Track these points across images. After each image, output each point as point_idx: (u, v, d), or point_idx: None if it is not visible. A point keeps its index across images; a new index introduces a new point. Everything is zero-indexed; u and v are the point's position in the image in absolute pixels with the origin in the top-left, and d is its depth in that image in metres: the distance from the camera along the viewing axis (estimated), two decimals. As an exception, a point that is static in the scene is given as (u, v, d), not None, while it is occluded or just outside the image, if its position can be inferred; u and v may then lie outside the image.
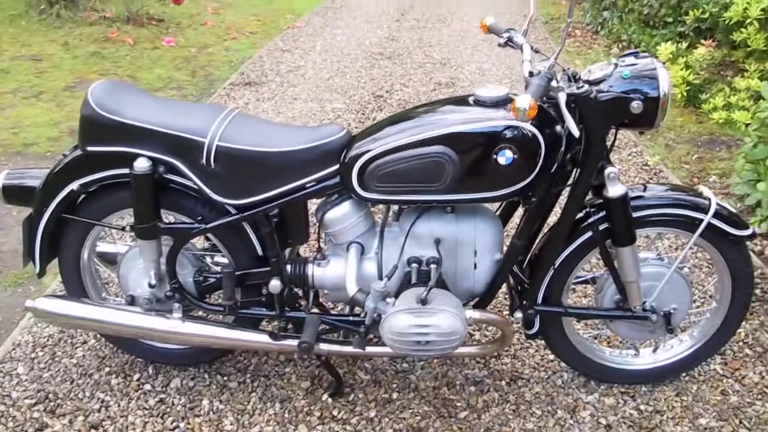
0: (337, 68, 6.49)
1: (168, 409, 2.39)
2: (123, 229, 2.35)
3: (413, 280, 2.17)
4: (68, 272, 2.42)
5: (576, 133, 1.88)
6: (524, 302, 2.27)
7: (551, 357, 2.57)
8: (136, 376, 2.53)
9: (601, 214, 2.17)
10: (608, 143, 2.09)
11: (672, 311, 2.28)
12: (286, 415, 2.36)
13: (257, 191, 2.14)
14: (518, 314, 2.29)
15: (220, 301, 2.32)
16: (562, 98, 1.89)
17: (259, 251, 2.27)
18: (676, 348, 2.47)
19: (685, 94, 4.87)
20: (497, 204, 2.34)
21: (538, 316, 2.30)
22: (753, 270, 2.35)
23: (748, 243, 2.32)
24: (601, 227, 2.18)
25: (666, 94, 1.95)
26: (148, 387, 2.49)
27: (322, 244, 2.35)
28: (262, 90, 5.89)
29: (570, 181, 2.14)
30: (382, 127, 2.14)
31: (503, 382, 2.50)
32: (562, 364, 2.53)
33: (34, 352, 2.67)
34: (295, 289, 2.33)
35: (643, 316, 2.27)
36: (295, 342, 2.25)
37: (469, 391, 2.46)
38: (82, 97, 2.17)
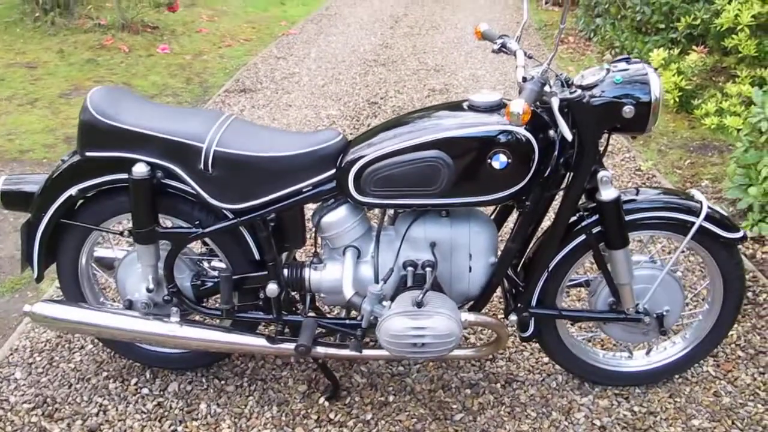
0: (331, 75, 6.52)
1: (166, 413, 2.41)
2: (121, 233, 2.36)
3: (409, 284, 2.18)
4: (66, 277, 2.43)
5: (569, 137, 1.91)
6: (519, 305, 2.30)
7: (546, 360, 2.60)
8: (133, 381, 2.55)
9: (594, 218, 2.19)
10: (601, 147, 2.11)
11: (665, 313, 2.31)
12: (284, 418, 2.38)
13: (254, 196, 2.16)
14: (513, 317, 2.31)
15: (217, 305, 2.33)
16: (555, 103, 1.92)
17: (257, 255, 2.29)
18: (669, 350, 2.49)
19: (677, 99, 4.91)
20: (492, 208, 2.37)
21: (533, 318, 2.33)
22: (744, 272, 2.38)
23: (739, 246, 2.35)
24: (595, 230, 2.20)
25: (657, 99, 1.97)
26: (145, 391, 2.50)
27: (318, 249, 2.37)
28: (257, 97, 5.91)
29: (563, 185, 2.16)
30: (378, 132, 2.17)
31: (498, 385, 2.52)
32: (557, 367, 2.56)
33: (31, 357, 2.68)
34: (292, 293, 2.35)
35: (637, 318, 2.29)
36: (292, 345, 2.27)
37: (464, 393, 2.48)
38: (77, 104, 2.20)
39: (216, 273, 2.41)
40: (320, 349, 2.31)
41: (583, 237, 2.22)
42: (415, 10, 9.96)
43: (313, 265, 2.30)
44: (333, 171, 2.15)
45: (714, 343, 2.48)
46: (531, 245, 2.33)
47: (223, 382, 2.54)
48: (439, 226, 2.21)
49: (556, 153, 2.07)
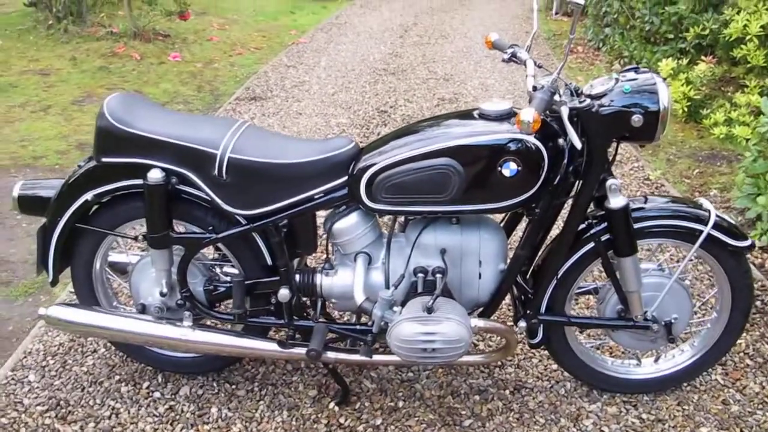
0: (341, 83, 6.57)
1: (177, 417, 2.43)
2: (135, 238, 2.39)
3: (419, 290, 2.21)
4: (80, 281, 2.46)
5: (578, 145, 1.93)
6: (528, 312, 2.32)
7: (554, 367, 2.61)
8: (145, 384, 2.57)
9: (603, 226, 2.21)
10: (610, 156, 2.14)
11: (673, 321, 2.32)
12: (294, 422, 2.40)
13: (267, 202, 2.19)
14: (522, 323, 2.33)
15: (229, 309, 2.36)
16: (564, 112, 1.94)
17: (269, 261, 2.31)
18: (677, 358, 2.50)
19: (686, 109, 4.92)
20: (502, 215, 2.39)
21: (542, 325, 2.35)
22: (752, 281, 2.39)
23: (747, 255, 2.36)
24: (603, 238, 2.22)
25: (666, 108, 1.99)
26: (157, 395, 2.53)
27: (330, 255, 2.39)
28: (267, 105, 5.96)
29: (572, 193, 2.19)
30: (390, 139, 2.19)
31: (507, 391, 2.53)
32: (566, 374, 2.57)
33: (45, 360, 2.71)
34: (303, 299, 2.38)
35: (645, 326, 2.31)
36: (303, 350, 2.30)
37: (473, 399, 2.50)
38: (89, 111, 2.24)
39: (228, 278, 2.43)
40: (331, 354, 2.33)
41: (591, 244, 2.24)
42: (424, 19, 10.01)
43: (324, 271, 2.32)
44: (345, 178, 2.18)
45: (722, 352, 2.49)
46: (540, 252, 2.34)
47: (234, 386, 2.57)
48: (449, 233, 2.23)
49: (565, 161, 2.09)
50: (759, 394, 2.50)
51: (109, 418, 2.43)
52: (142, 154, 2.18)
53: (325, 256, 2.42)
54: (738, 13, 4.41)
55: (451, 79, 6.69)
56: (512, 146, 2.04)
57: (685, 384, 2.54)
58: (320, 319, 2.40)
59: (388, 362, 2.47)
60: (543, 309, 2.32)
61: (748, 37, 4.34)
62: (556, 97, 1.99)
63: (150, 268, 2.37)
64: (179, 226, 2.35)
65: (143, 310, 2.40)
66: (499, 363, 2.65)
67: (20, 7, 8.70)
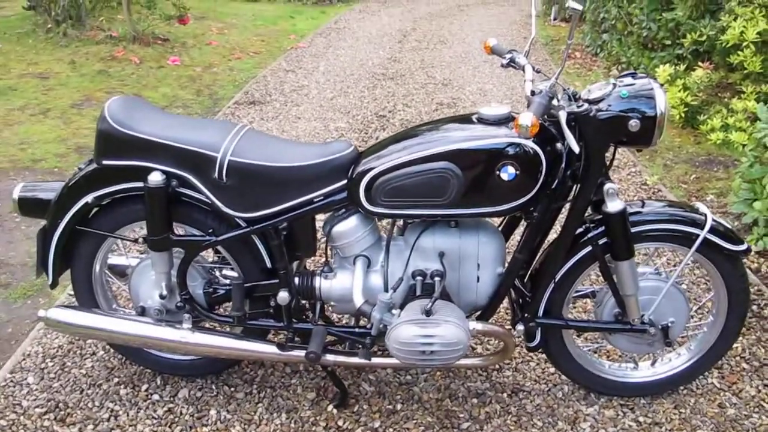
0: (340, 88, 6.58)
1: (176, 419, 2.44)
2: (135, 241, 2.40)
3: (418, 292, 2.22)
4: (80, 283, 2.47)
5: (576, 149, 1.94)
6: (525, 315, 2.33)
7: (552, 370, 2.62)
8: (144, 387, 2.58)
9: (600, 230, 2.23)
10: (607, 160, 2.15)
11: (670, 324, 2.33)
12: (292, 425, 2.41)
13: (267, 205, 2.20)
14: (520, 327, 2.34)
15: (228, 312, 2.37)
16: (562, 116, 1.96)
17: (268, 264, 2.32)
18: (674, 361, 2.52)
19: (683, 115, 4.95)
20: (500, 219, 2.40)
21: (539, 328, 2.36)
22: (748, 285, 2.40)
23: (744, 259, 2.37)
24: (601, 242, 2.23)
25: (663, 113, 2.01)
26: (156, 397, 2.54)
27: (329, 258, 2.40)
28: (266, 109, 5.97)
29: (570, 197, 2.20)
30: (389, 143, 2.21)
31: (505, 394, 2.54)
32: (563, 377, 2.58)
33: (44, 362, 2.72)
34: (303, 301, 2.39)
35: (642, 329, 2.32)
36: (302, 353, 2.31)
37: (471, 402, 2.51)
38: (88, 115, 2.25)
39: (228, 281, 2.44)
40: (329, 357, 2.34)
41: (589, 248, 2.25)
42: (423, 24, 10.04)
43: (323, 274, 2.33)
44: (344, 181, 2.19)
45: (719, 355, 2.50)
46: (538, 256, 2.36)
47: (232, 389, 2.57)
48: (448, 237, 2.24)
49: (563, 165, 2.11)
50: (755, 397, 2.51)
51: (108, 420, 2.43)
52: (142, 156, 2.19)
53: (324, 259, 2.43)
54: (735, 19, 4.44)
55: (450, 84, 6.71)
56: (510, 150, 2.05)
57: (681, 387, 2.55)
58: (319, 322, 2.41)
59: (387, 365, 2.48)
60: (541, 312, 2.34)
61: (744, 44, 4.37)
62: (554, 102, 2.00)
63: (150, 271, 2.38)
64: (179, 229, 2.36)
65: (143, 312, 2.41)
66: (497, 366, 2.67)
67: (19, 11, 8.73)
